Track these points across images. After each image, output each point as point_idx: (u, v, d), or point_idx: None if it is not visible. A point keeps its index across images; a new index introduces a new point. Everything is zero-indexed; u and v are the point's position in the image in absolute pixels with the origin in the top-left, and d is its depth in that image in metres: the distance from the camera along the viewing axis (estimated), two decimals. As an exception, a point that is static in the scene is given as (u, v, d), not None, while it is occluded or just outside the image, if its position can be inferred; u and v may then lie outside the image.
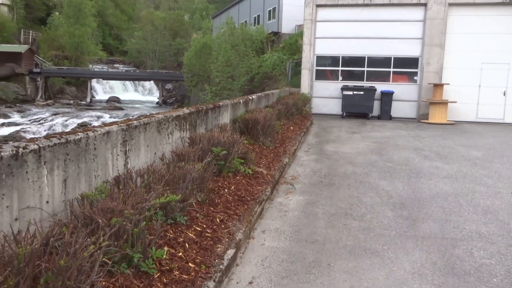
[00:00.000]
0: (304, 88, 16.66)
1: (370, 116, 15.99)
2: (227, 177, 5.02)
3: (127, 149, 3.79)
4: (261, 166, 6.10)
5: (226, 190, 4.63)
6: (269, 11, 33.41)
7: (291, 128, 10.44)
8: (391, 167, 7.40)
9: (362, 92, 15.87)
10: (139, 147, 4.03)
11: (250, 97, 9.03)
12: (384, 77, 16.42)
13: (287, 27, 30.38)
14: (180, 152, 4.25)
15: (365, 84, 16.36)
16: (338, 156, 8.27)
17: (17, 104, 36.73)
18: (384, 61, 16.40)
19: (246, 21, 38.11)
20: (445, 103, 14.93)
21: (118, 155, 3.65)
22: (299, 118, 12.47)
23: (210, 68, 27.15)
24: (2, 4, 57.67)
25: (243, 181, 5.10)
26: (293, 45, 24.13)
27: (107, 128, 3.46)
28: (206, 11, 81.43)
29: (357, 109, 16.05)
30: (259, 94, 10.49)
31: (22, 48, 43.29)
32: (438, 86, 15.16)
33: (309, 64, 16.67)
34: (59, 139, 2.87)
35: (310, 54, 16.62)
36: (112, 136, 3.52)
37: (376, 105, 16.15)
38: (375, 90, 15.90)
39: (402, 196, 5.58)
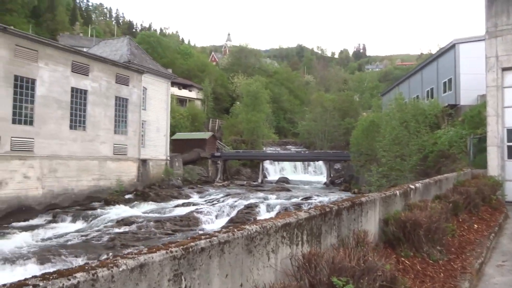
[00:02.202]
0: (492, 169, 13.32)
1: None
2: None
3: (184, 286, 2.50)
4: (421, 298, 4.07)
5: None
6: (444, 82, 30.29)
7: (475, 226, 7.78)
8: None
9: None
10: (208, 280, 2.70)
11: (412, 186, 7.00)
12: None
13: (466, 98, 26.74)
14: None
15: None
16: (555, 278, 5.42)
17: (198, 185, 40.54)
18: None
19: (417, 96, 35.42)
20: None
21: (164, 298, 2.38)
22: (487, 211, 9.51)
23: (377, 147, 25.21)
24: (197, 99, 68.09)
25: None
26: (475, 117, 20.62)
27: (142, 258, 2.26)
28: (376, 89, 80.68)
29: None
30: (427, 181, 8.28)
31: (206, 135, 49.00)
32: None
33: (497, 140, 13.42)
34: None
35: (498, 127, 13.44)
36: (151, 271, 2.29)
37: None
38: None
39: None
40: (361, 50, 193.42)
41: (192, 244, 2.58)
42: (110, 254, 17.15)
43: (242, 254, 3.00)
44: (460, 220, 7.61)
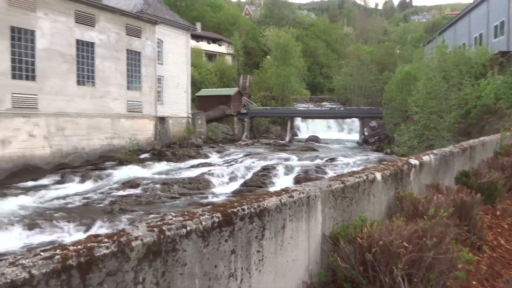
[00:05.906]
0: (553, 129, 10.11)
1: None
2: None
3: None
4: None
5: None
6: (495, 26, 25.74)
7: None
8: None
9: None
10: None
11: (413, 161, 4.22)
12: None
13: (522, 42, 22.44)
14: None
15: None
16: None
17: (220, 144, 38.54)
18: None
19: (464, 44, 30.85)
20: None
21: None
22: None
23: (409, 102, 21.74)
24: (227, 54, 65.15)
25: None
26: (532, 64, 16.78)
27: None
28: (421, 41, 73.75)
29: None
30: (446, 149, 5.44)
31: (231, 91, 46.38)
32: None
33: None
34: None
35: None
36: None
37: None
38: None
39: None
40: (407, 0, 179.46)
41: None
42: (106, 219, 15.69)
43: None
44: (498, 213, 4.86)
